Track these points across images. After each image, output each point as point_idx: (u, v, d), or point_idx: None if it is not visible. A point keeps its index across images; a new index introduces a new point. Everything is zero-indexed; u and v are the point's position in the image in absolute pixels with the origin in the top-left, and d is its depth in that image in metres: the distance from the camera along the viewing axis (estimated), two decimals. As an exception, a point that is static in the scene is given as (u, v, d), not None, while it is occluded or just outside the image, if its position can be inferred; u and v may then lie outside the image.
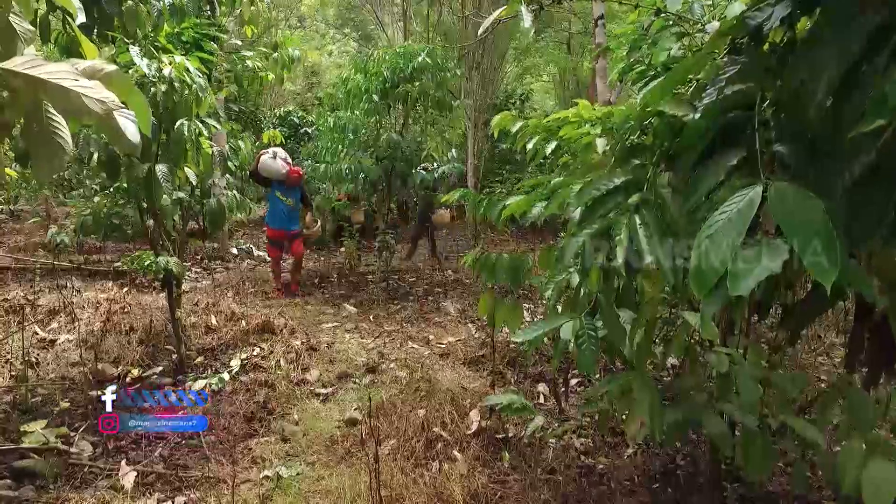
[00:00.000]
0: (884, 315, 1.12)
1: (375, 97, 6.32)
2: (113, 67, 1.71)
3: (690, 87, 1.31)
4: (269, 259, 7.68)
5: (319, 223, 7.35)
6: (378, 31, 16.08)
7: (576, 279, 1.55)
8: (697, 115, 1.06)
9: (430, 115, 7.25)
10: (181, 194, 3.42)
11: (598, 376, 3.84)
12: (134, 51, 2.73)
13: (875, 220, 0.87)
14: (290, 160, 6.49)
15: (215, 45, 3.97)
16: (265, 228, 6.95)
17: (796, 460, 1.94)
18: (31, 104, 1.60)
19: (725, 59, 1.11)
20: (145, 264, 3.68)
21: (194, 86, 2.91)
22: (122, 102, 1.57)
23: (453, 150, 6.95)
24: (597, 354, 1.25)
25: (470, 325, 5.43)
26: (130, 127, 1.62)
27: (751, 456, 1.71)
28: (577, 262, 1.13)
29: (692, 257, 0.84)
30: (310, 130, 12.51)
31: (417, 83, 6.18)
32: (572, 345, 1.32)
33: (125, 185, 3.94)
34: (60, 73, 1.57)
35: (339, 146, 6.90)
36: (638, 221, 1.09)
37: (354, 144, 6.79)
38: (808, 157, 0.91)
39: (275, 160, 6.27)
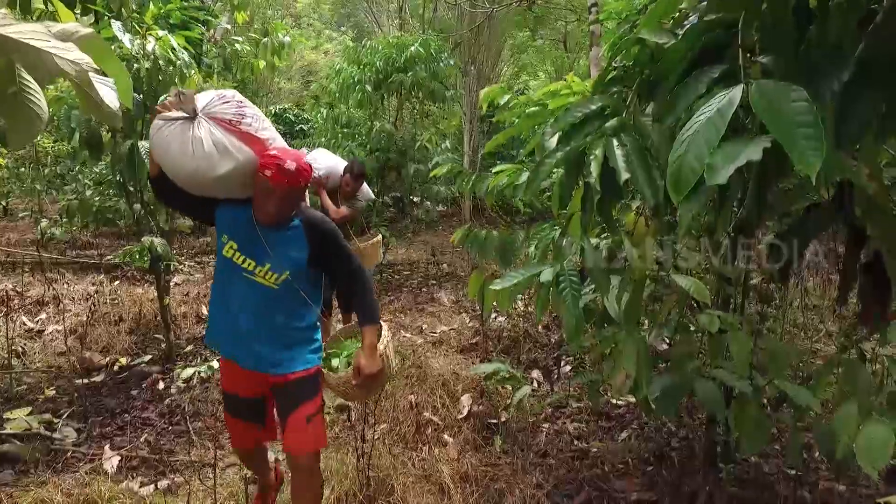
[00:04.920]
0: (877, 252, 1.08)
1: (368, 88, 6.27)
2: (89, 30, 1.64)
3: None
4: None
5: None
6: (374, 29, 16.07)
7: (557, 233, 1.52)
8: (678, 40, 1.02)
9: (423, 107, 7.21)
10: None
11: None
12: (116, 25, 2.68)
13: (865, 120, 0.82)
14: (260, 124, 1.90)
15: (204, 29, 3.92)
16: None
17: (792, 432, 1.90)
18: (4, 65, 1.54)
19: (711, -13, 1.07)
20: (136, 257, 3.66)
21: (179, 62, 2.86)
22: (101, 71, 1.51)
23: (447, 142, 6.90)
24: (579, 303, 1.21)
25: (464, 314, 5.39)
26: (109, 94, 1.55)
27: (744, 424, 1.67)
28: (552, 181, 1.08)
29: (669, 162, 0.79)
30: (305, 128, 12.46)
31: (410, 73, 6.14)
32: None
33: (116, 175, 3.88)
34: (32, 33, 1.50)
35: (333, 139, 6.86)
36: (615, 143, 1.05)
37: (348, 137, 6.74)
38: (794, 65, 0.87)
39: (188, 129, 1.79)
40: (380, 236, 3.97)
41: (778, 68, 0.88)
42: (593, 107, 1.15)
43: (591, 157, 1.03)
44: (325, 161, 4.15)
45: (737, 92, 0.79)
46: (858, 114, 0.82)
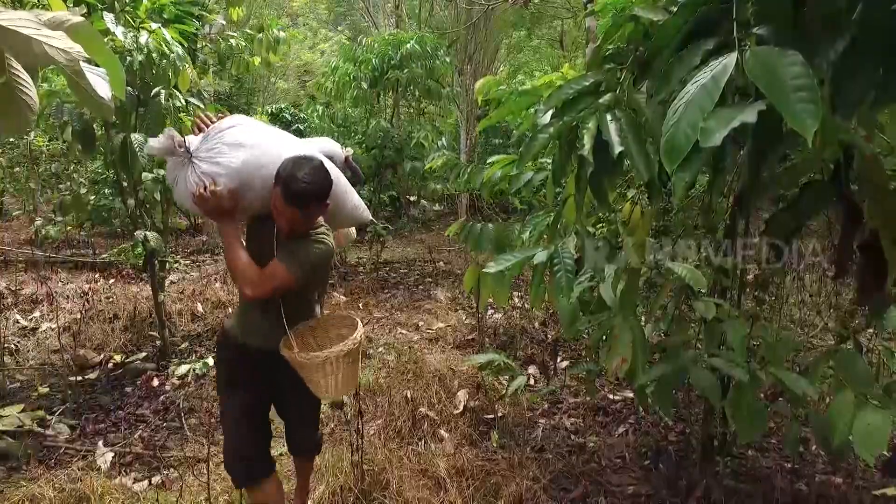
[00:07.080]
0: (874, 232, 1.06)
1: (364, 85, 6.26)
2: (79, 19, 1.62)
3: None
4: None
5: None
6: (371, 29, 16.05)
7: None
8: (673, 15, 1.01)
9: (420, 105, 7.20)
10: (162, 172, 3.33)
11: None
12: (108, 17, 2.66)
13: (862, 88, 0.81)
14: None
15: (198, 24, 3.90)
16: None
17: (789, 421, 1.89)
18: (-7, 55, 1.51)
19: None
20: (131, 255, 3.64)
21: (172, 56, 2.84)
22: (93, 61, 1.48)
23: (444, 140, 6.88)
24: (573, 284, 1.19)
25: (460, 311, 5.37)
26: (101, 84, 1.53)
27: (741, 412, 1.66)
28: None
29: (663, 130, 0.78)
30: (302, 127, 12.43)
31: (406, 70, 6.13)
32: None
33: (110, 171, 3.84)
34: (21, 20, 1.48)
35: (330, 138, 6.84)
36: (609, 118, 1.03)
37: (344, 134, 6.72)
38: (790, 35, 0.86)
39: None
40: (361, 329, 1.95)
41: (774, 38, 0.87)
42: (587, 83, 1.14)
43: (584, 130, 1.01)
44: (239, 151, 1.77)
45: (731, 59, 0.78)
46: (855, 82, 0.81)
